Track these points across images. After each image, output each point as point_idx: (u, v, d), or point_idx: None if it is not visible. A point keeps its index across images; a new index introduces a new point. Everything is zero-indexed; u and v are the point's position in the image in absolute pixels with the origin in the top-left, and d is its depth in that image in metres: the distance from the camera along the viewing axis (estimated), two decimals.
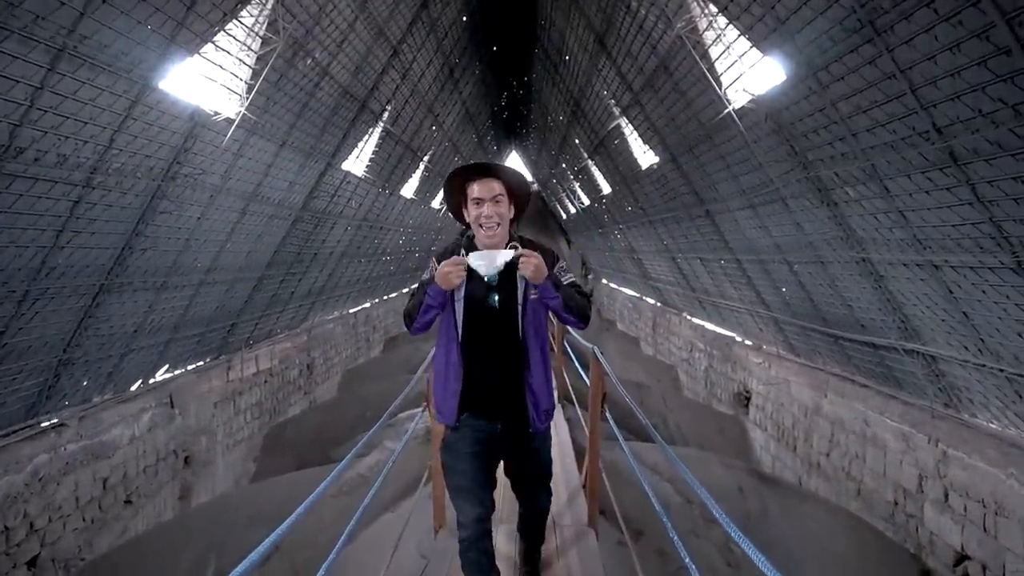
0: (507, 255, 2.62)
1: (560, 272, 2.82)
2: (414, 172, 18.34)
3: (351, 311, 20.67)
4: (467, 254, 2.70)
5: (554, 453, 5.19)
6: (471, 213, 2.75)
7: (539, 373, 2.83)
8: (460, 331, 2.77)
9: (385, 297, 25.23)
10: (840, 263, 7.60)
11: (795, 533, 6.80)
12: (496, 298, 2.73)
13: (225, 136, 7.34)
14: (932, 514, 7.11)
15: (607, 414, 4.07)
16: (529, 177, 41.55)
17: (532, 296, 2.77)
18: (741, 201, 9.48)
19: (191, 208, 7.93)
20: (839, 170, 6.43)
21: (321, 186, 11.68)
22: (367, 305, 22.72)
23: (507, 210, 2.76)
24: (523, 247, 2.72)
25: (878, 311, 7.46)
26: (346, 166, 12.45)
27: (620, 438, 5.11)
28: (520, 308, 2.77)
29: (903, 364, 7.70)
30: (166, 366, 9.82)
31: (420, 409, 4.15)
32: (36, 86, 4.87)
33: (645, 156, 13.22)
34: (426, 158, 18.83)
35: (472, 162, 3.23)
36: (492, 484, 2.99)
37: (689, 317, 17.70)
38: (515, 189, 2.80)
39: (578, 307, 2.79)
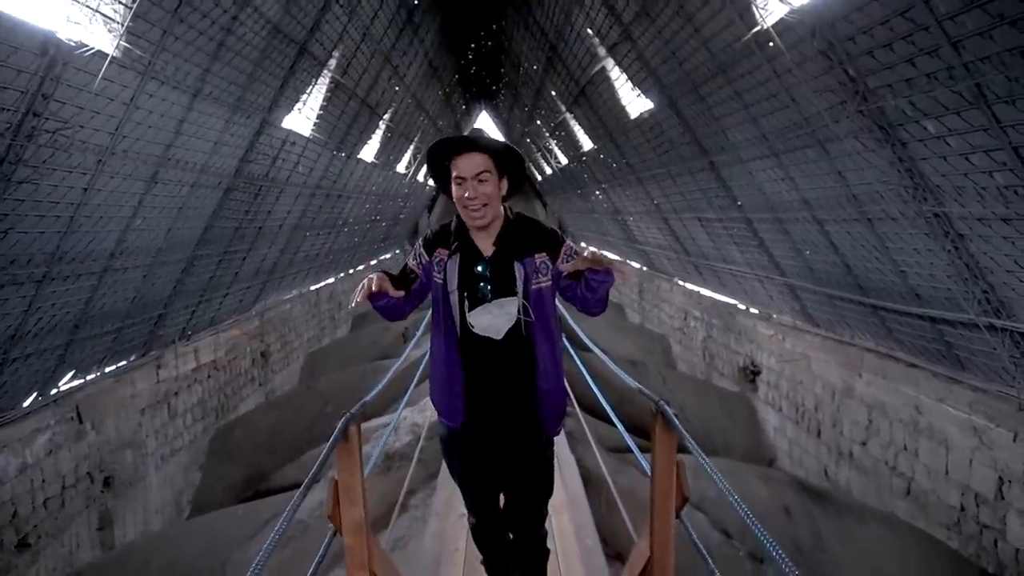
0: (511, 311, 2.42)
1: (567, 257, 2.43)
2: (373, 132, 16.44)
3: (312, 288, 18.88)
4: (457, 242, 2.49)
5: (563, 522, 3.65)
6: (454, 193, 2.44)
7: (550, 371, 2.52)
8: (458, 325, 2.47)
9: (351, 271, 23.43)
10: (899, 220, 6.08)
11: (856, 564, 5.40)
12: (488, 288, 2.45)
13: (98, 77, 5.51)
14: (1021, 528, 5.75)
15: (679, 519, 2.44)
16: (500, 138, 39.43)
17: (535, 286, 2.46)
18: (760, 149, 7.90)
19: (70, 176, 6.11)
20: (917, 97, 4.85)
21: (258, 147, 9.83)
22: (331, 280, 20.92)
23: (495, 188, 2.42)
24: (519, 226, 2.51)
25: (947, 278, 5.98)
26: (288, 124, 10.59)
27: (636, 450, 3.68)
28: (520, 302, 2.44)
29: (972, 343, 6.28)
30: (70, 373, 8.07)
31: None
32: None
33: (635, 103, 11.54)
34: (387, 116, 16.91)
35: (452, 135, 2.58)
36: (500, 484, 2.73)
37: (681, 283, 16.25)
38: (506, 162, 2.43)
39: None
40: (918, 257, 6.23)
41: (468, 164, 2.37)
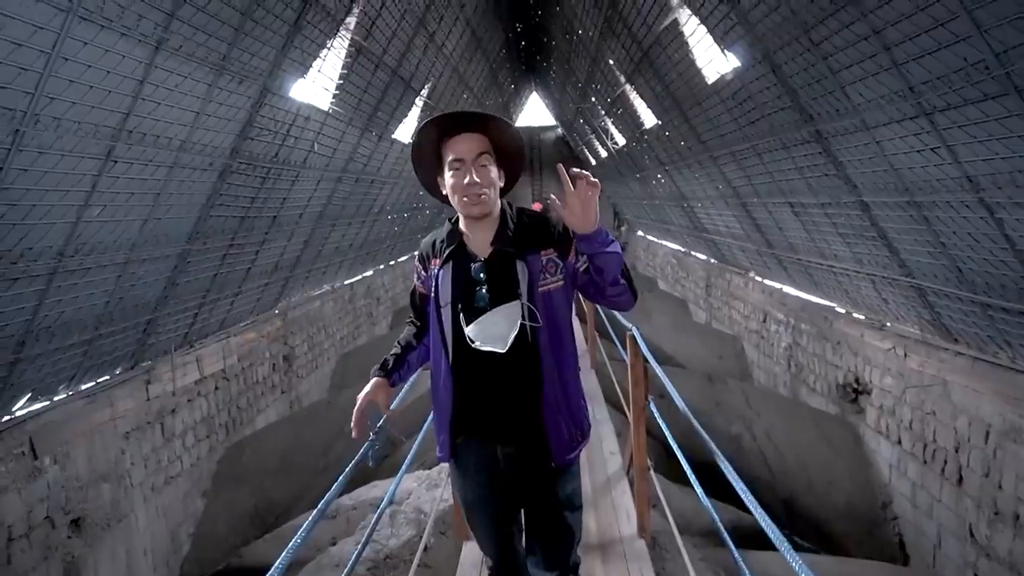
0: (515, 317, 2.11)
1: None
2: (409, 110, 14.76)
3: (346, 282, 17.42)
4: (448, 247, 2.25)
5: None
6: (448, 182, 2.18)
7: (558, 387, 2.20)
8: (451, 344, 2.21)
9: (391, 263, 21.94)
10: None
11: None
12: (486, 295, 2.18)
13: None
14: None
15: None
16: (551, 120, 37.36)
17: (542, 287, 2.16)
18: (899, 108, 5.81)
19: None
20: None
21: (259, 122, 8.23)
22: (369, 273, 19.46)
23: (497, 176, 2.20)
24: (520, 221, 2.23)
25: None
26: (298, 94, 8.96)
27: (736, 553, 2.50)
28: (524, 306, 2.14)
29: None
30: (25, 396, 6.64)
31: None
32: None
33: (714, 64, 9.50)
34: (424, 92, 15.22)
35: (447, 111, 2.21)
36: (512, 516, 2.43)
37: (759, 278, 14.10)
38: (507, 148, 2.21)
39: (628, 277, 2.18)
40: None
41: (466, 145, 2.13)
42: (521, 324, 2.12)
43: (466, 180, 2.11)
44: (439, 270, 2.25)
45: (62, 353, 6.84)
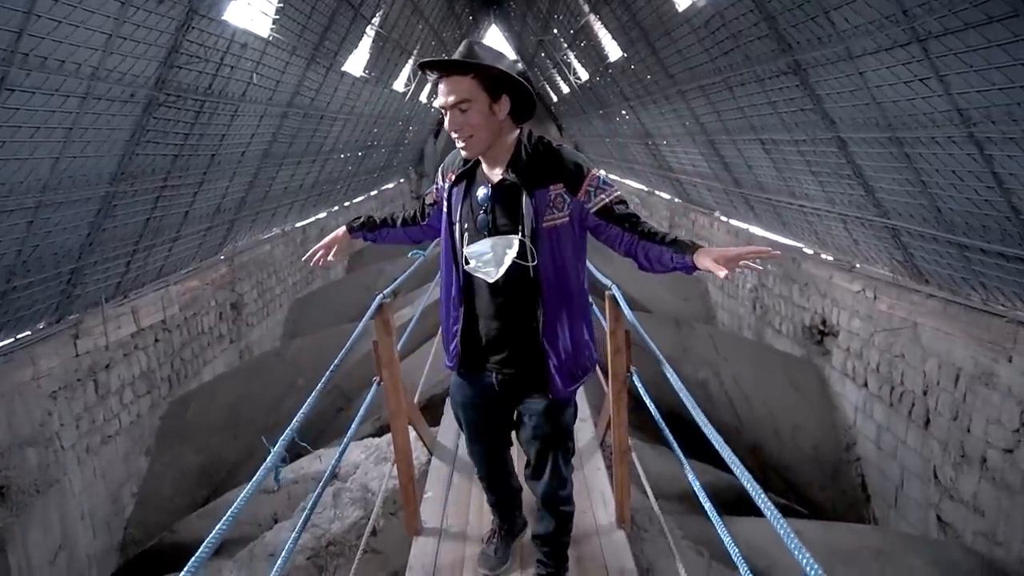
0: (511, 252, 2.18)
1: (594, 192, 2.21)
2: (359, 40, 13.75)
3: (298, 225, 16.60)
4: (463, 167, 2.32)
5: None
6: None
7: (561, 322, 2.27)
8: (460, 261, 2.31)
9: (347, 204, 21.04)
10: None
11: None
12: (488, 221, 2.25)
13: None
14: None
15: None
16: (512, 55, 36.01)
17: (547, 223, 2.18)
18: (888, 35, 5.35)
19: None
20: None
21: (187, 48, 7.36)
22: (322, 215, 18.60)
23: (483, 115, 2.12)
24: (536, 153, 2.23)
25: None
26: (233, 18, 8.06)
27: (718, 523, 2.02)
28: (523, 242, 2.19)
29: None
30: None
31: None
32: None
33: None
34: (375, 20, 14.18)
35: (428, 58, 2.26)
36: (507, 439, 2.68)
37: (724, 218, 13.80)
38: (502, 83, 2.11)
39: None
40: None
41: (448, 91, 2.11)
42: (515, 262, 2.22)
43: (445, 125, 2.16)
44: (453, 187, 2.35)
45: None
